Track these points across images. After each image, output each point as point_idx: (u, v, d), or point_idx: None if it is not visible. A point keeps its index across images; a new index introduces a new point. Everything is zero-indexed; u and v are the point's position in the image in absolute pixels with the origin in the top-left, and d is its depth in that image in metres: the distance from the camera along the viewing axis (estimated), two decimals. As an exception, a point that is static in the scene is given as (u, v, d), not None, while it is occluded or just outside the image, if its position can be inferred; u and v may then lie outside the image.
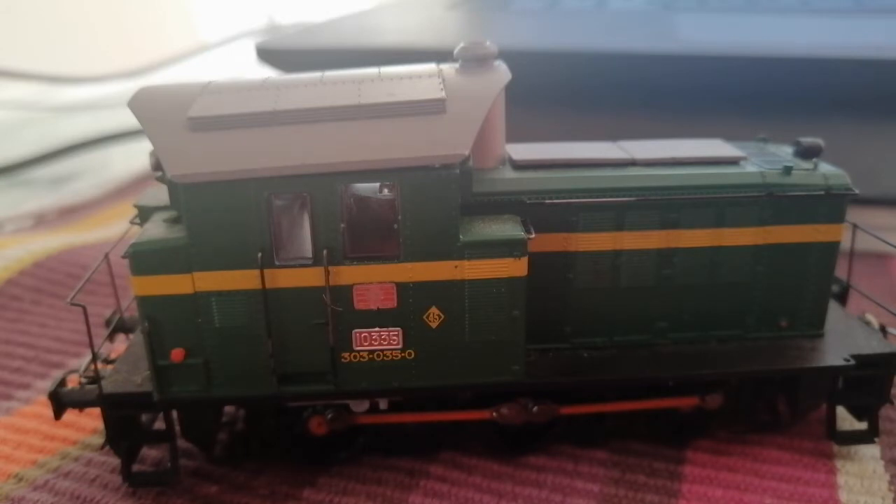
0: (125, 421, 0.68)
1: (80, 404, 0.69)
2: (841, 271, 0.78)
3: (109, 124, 1.89)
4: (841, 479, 0.70)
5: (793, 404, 0.75)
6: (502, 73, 0.68)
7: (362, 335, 0.65)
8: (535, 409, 0.71)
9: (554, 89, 1.27)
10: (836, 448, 0.74)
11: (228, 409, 0.78)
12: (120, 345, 0.83)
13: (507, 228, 0.65)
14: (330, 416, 0.71)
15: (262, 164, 0.60)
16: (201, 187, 0.60)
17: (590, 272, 0.72)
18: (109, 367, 0.72)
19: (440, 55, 0.75)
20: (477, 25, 1.52)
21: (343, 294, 0.64)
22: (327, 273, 0.63)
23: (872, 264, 1.09)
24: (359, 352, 0.66)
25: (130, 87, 0.72)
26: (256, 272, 0.63)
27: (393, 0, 1.84)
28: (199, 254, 0.62)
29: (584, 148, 0.76)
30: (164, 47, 2.68)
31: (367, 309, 0.65)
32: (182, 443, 0.71)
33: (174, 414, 0.70)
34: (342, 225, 0.62)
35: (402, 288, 0.64)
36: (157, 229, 0.65)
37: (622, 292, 0.73)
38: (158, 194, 0.72)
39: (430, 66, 0.69)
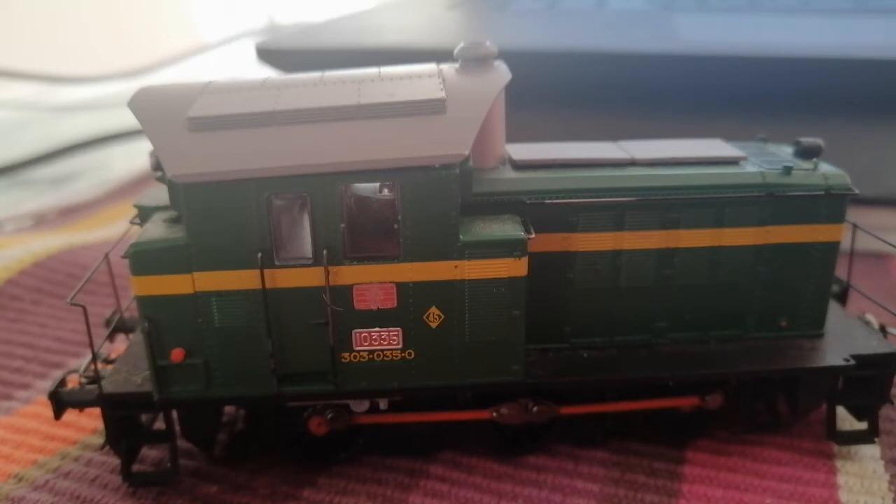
0: (125, 421, 0.68)
1: (80, 404, 0.69)
2: (841, 271, 0.78)
3: (109, 124, 1.89)
4: (841, 479, 0.70)
5: (793, 404, 0.75)
6: (502, 73, 0.68)
7: (362, 335, 0.65)
8: (535, 409, 0.71)
9: (554, 89, 1.27)
10: (836, 448, 0.74)
11: (228, 409, 0.78)
12: (120, 345, 0.84)
13: (507, 228, 0.65)
14: (330, 416, 0.71)
15: (261, 164, 0.60)
16: (201, 187, 0.60)
17: (590, 272, 0.72)
18: (109, 367, 0.72)
19: (440, 55, 0.75)
20: (477, 25, 1.52)
21: (343, 294, 0.64)
22: (327, 273, 0.63)
23: (872, 264, 1.09)
24: (359, 352, 0.66)
25: (130, 87, 0.72)
26: (256, 272, 0.63)
27: (393, 0, 1.84)
28: (199, 254, 0.62)
29: (584, 148, 0.76)
30: (163, 47, 2.69)
31: (367, 309, 0.65)
32: (182, 443, 0.71)
33: (174, 414, 0.70)
34: (342, 225, 0.62)
35: (402, 288, 0.64)
36: (157, 229, 0.65)
37: (622, 292, 0.73)
38: (158, 194, 0.72)
39: (430, 66, 0.69)
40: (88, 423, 0.79)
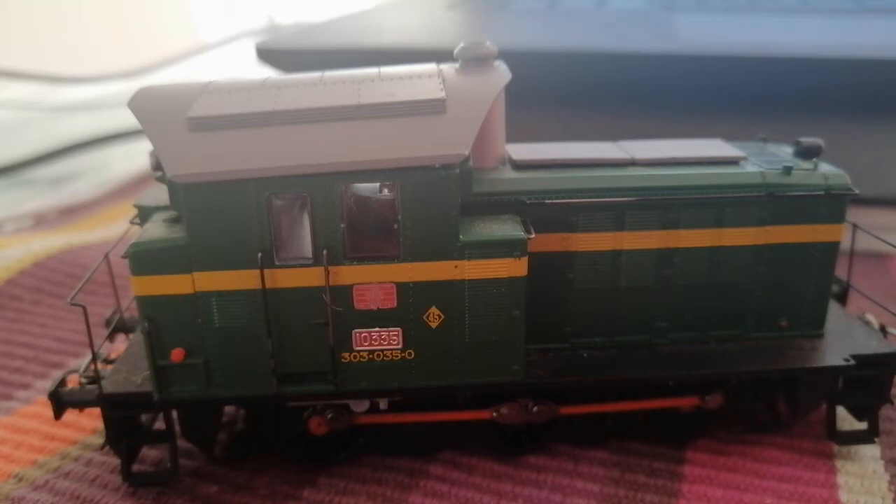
0: (125, 421, 0.68)
1: (80, 404, 0.69)
2: (841, 271, 0.78)
3: (109, 124, 1.89)
4: (841, 479, 0.70)
5: (793, 404, 0.75)
6: (502, 73, 0.68)
7: (362, 335, 0.65)
8: (535, 409, 0.71)
9: (554, 89, 1.27)
10: (836, 448, 0.74)
11: (228, 409, 0.78)
12: (120, 345, 0.84)
13: (507, 228, 0.65)
14: (330, 416, 0.71)
15: (261, 164, 0.60)
16: (201, 187, 0.60)
17: (590, 272, 0.72)
18: (109, 367, 0.72)
19: (440, 55, 0.75)
20: (477, 25, 1.52)
21: (343, 294, 0.64)
22: (327, 273, 0.63)
23: (872, 264, 1.09)
24: (359, 352, 0.66)
25: (130, 87, 0.72)
26: (256, 272, 0.63)
27: (393, 0, 1.84)
28: (199, 254, 0.62)
29: (584, 148, 0.76)
30: (163, 47, 2.69)
31: (367, 309, 0.65)
32: (182, 443, 0.71)
33: (174, 414, 0.70)
34: (342, 225, 0.62)
35: (402, 288, 0.64)
36: (157, 229, 0.65)
37: (622, 292, 0.73)
38: (158, 194, 0.72)
39: (430, 66, 0.69)
40: (88, 423, 0.79)
